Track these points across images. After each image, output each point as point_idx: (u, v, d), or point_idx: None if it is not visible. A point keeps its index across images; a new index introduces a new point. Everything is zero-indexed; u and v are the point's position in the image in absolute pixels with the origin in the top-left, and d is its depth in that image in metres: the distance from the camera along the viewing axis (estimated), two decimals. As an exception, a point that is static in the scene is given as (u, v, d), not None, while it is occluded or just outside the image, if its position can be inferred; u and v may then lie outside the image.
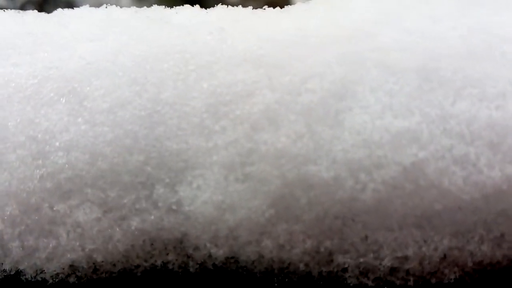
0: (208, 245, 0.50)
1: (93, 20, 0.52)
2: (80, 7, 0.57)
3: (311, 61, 0.47)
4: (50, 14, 0.56)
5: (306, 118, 0.46)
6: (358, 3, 0.51)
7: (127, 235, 0.50)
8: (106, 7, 0.56)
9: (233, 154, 0.46)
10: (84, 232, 0.50)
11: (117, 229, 0.50)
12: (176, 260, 0.53)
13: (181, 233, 0.51)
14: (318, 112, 0.46)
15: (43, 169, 0.48)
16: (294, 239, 0.49)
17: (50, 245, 0.50)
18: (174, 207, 0.48)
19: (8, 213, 0.49)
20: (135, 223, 0.49)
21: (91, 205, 0.49)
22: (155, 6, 0.55)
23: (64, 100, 0.49)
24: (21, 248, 0.50)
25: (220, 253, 0.50)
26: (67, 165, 0.48)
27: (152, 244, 0.52)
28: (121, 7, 0.56)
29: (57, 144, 0.48)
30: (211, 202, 0.47)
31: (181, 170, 0.47)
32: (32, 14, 0.55)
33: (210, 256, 0.52)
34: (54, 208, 0.49)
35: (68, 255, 0.50)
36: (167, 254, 0.53)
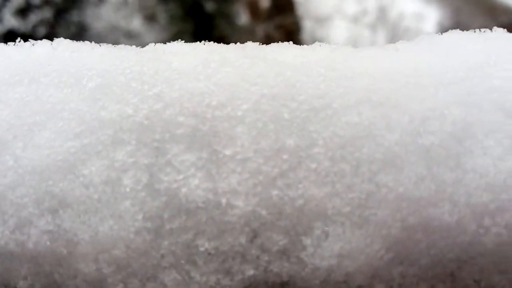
0: (317, 289, 0.49)
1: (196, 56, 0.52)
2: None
3: (429, 102, 0.47)
4: (145, 49, 0.56)
5: (427, 160, 0.46)
6: (464, 43, 0.51)
7: (234, 281, 0.49)
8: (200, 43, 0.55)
9: (353, 198, 0.46)
10: (190, 279, 0.48)
11: (226, 275, 0.48)
12: (277, 303, 0.52)
13: (289, 277, 0.49)
14: (439, 154, 0.45)
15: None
16: (407, 282, 0.48)
17: (156, 290, 0.48)
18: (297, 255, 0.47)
19: (115, 256, 0.47)
20: (245, 267, 0.48)
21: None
22: (250, 43, 0.55)
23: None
24: (123, 292, 0.49)
25: (328, 298, 0.49)
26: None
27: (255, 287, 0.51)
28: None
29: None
30: (331, 249, 0.46)
31: (303, 219, 0.46)
32: (133, 50, 0.54)
33: (315, 299, 0.51)
34: (161, 252, 0.48)
35: (172, 300, 0.49)
36: (268, 297, 0.52)
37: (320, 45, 0.54)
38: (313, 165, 0.47)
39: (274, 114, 0.49)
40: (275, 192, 0.47)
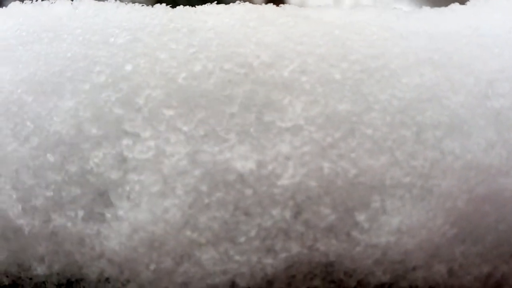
0: (370, 270, 0.44)
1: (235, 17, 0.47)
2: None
3: (494, 63, 0.43)
4: (174, 9, 0.51)
5: (497, 124, 0.41)
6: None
7: (277, 260, 0.44)
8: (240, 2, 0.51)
9: (414, 167, 0.41)
10: (229, 257, 0.43)
11: (268, 253, 0.44)
12: (322, 285, 0.47)
13: (336, 256, 0.45)
14: (510, 117, 0.41)
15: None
16: (469, 263, 0.44)
17: (192, 270, 0.43)
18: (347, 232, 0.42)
19: (151, 232, 0.43)
20: (289, 245, 0.43)
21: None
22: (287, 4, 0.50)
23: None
24: (153, 271, 0.44)
25: (383, 279, 0.44)
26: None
27: (297, 268, 0.46)
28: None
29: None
30: (389, 224, 0.41)
31: (356, 192, 0.42)
32: (162, 9, 0.49)
33: (364, 282, 0.46)
34: (198, 228, 0.43)
35: (209, 281, 0.44)
36: (312, 279, 0.47)
37: (366, 7, 0.49)
38: (369, 132, 0.42)
39: (323, 75, 0.44)
40: (325, 162, 0.43)
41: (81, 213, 0.45)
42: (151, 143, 0.44)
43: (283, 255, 0.44)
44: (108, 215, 0.44)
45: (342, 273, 0.46)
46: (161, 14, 0.48)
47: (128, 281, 0.46)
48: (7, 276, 0.49)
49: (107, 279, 0.48)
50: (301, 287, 0.47)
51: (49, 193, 0.44)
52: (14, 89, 0.45)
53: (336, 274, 0.46)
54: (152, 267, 0.44)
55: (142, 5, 0.51)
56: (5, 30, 0.48)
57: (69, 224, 0.45)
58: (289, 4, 0.57)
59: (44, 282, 0.49)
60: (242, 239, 0.44)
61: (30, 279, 0.49)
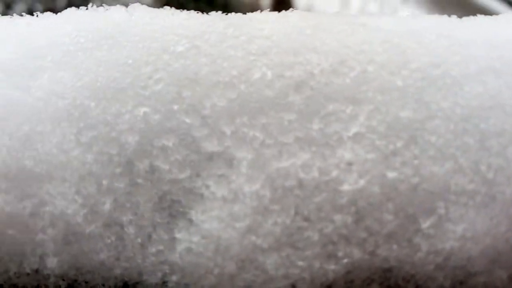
0: (430, 275, 0.44)
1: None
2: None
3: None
4: (229, 16, 0.51)
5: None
6: None
7: (338, 265, 0.44)
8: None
9: (478, 174, 0.42)
10: (291, 262, 0.44)
11: (330, 259, 0.44)
12: (378, 291, 0.47)
13: (397, 262, 0.45)
14: None
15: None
16: (528, 269, 0.44)
17: (255, 274, 0.44)
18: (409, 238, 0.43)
19: (217, 236, 0.43)
20: (351, 251, 0.44)
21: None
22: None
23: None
24: (217, 276, 0.44)
25: (444, 284, 0.44)
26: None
27: (356, 273, 0.46)
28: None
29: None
30: (453, 231, 0.42)
31: (419, 199, 0.42)
32: (217, 16, 0.49)
33: (422, 287, 0.46)
34: (261, 233, 0.43)
35: (270, 285, 0.44)
36: (369, 284, 0.47)
37: (419, 15, 0.50)
38: (432, 139, 0.43)
39: (383, 83, 0.45)
40: (388, 169, 0.43)
41: (145, 219, 0.45)
42: (218, 150, 0.44)
43: (344, 260, 0.45)
44: (175, 221, 0.44)
45: (401, 279, 0.46)
46: (218, 22, 0.49)
47: (187, 285, 0.47)
48: (63, 280, 0.49)
49: (165, 283, 0.48)
50: (358, 292, 0.47)
51: (113, 199, 0.44)
52: (77, 94, 0.45)
53: (394, 279, 0.47)
54: (216, 271, 0.44)
55: (197, 12, 0.52)
56: (63, 35, 0.48)
57: (132, 230, 0.45)
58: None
59: (101, 285, 0.49)
60: (303, 244, 0.44)
61: (86, 282, 0.50)
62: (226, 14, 0.52)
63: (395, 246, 0.44)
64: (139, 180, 0.44)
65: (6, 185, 0.44)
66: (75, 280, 0.49)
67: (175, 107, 0.45)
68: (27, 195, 0.44)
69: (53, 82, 0.45)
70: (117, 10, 0.51)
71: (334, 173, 0.44)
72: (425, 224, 0.43)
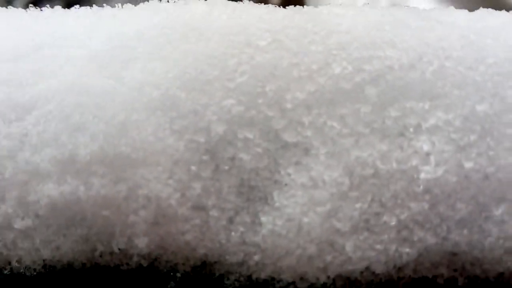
0: (498, 259, 0.47)
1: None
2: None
3: None
4: (305, 10, 0.53)
5: None
6: None
7: (413, 249, 0.47)
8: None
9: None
10: (369, 245, 0.47)
11: (405, 243, 0.47)
12: (446, 273, 0.50)
13: (467, 246, 0.48)
14: None
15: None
16: None
17: (333, 256, 0.47)
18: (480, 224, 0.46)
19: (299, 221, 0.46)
20: (425, 236, 0.47)
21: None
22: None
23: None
24: (297, 257, 0.47)
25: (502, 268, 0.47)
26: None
27: (427, 257, 0.49)
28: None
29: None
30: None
31: (493, 187, 0.45)
32: (292, 10, 0.52)
33: (488, 270, 0.49)
34: (340, 217, 0.46)
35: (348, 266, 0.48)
36: (437, 267, 0.50)
37: (493, 11, 0.52)
38: (508, 131, 0.45)
39: (460, 78, 0.47)
40: (464, 159, 0.46)
41: (228, 203, 0.48)
42: (297, 140, 0.47)
43: (418, 245, 0.48)
44: (257, 206, 0.47)
45: (469, 263, 0.49)
46: (297, 16, 0.51)
47: (265, 264, 0.50)
48: (144, 259, 0.52)
49: (243, 263, 0.51)
50: (427, 274, 0.50)
51: (201, 185, 0.47)
52: (169, 85, 0.48)
53: (461, 263, 0.49)
54: (298, 252, 0.47)
55: (275, 6, 0.54)
56: (152, 27, 0.51)
57: (216, 214, 0.48)
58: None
59: (181, 264, 0.52)
60: (380, 229, 0.47)
61: (167, 262, 0.53)
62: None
63: (466, 231, 0.47)
64: (223, 167, 0.47)
65: (102, 170, 0.47)
66: (155, 259, 0.53)
67: (260, 100, 0.47)
68: (123, 179, 0.47)
69: (145, 72, 0.48)
70: (196, 2, 0.53)
71: (412, 163, 0.46)
72: (497, 211, 0.46)
